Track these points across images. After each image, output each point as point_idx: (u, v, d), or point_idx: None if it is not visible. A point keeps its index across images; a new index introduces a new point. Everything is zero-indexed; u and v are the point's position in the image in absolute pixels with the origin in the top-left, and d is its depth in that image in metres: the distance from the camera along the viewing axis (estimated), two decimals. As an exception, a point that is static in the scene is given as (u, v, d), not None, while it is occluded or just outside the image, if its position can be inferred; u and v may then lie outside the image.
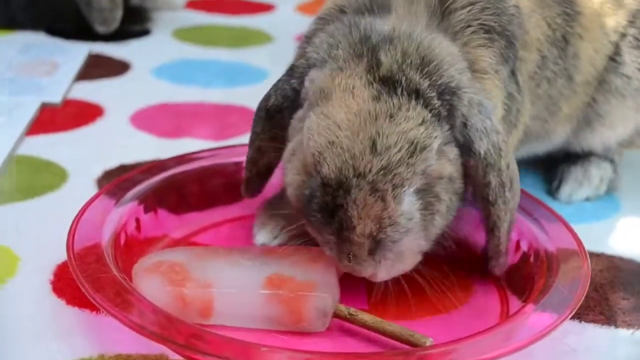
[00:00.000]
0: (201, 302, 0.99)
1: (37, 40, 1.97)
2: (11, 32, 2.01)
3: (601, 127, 1.33)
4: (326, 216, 0.97)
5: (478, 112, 1.01)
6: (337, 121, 0.97)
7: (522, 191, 1.21)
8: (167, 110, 1.64)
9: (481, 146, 1.00)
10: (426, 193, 0.98)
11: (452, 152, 1.00)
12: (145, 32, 2.09)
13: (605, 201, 1.38)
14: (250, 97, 1.68)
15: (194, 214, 1.23)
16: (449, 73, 0.99)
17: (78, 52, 1.89)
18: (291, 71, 1.09)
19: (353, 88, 0.98)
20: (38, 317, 1.02)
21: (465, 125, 1.00)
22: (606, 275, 1.17)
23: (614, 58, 1.28)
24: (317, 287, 0.99)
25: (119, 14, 1.98)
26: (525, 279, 1.11)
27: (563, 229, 1.15)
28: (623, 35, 1.28)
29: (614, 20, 1.27)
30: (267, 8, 2.35)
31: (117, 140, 1.51)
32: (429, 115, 0.97)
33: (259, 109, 1.11)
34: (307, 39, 1.15)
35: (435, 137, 0.97)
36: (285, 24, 2.21)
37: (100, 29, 1.97)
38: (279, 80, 1.10)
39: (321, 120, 0.98)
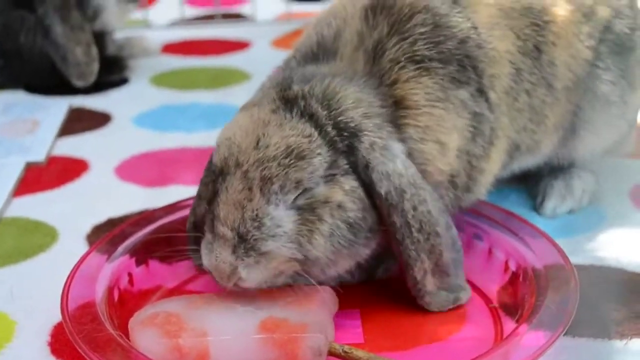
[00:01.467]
0: (197, 352, 0.99)
1: (16, 99, 1.98)
2: (-11, 93, 2.03)
3: (587, 133, 1.33)
4: (209, 209, 1.05)
5: (380, 155, 1.05)
6: (240, 123, 1.06)
7: (505, 210, 1.24)
8: (151, 159, 1.65)
9: (382, 187, 1.05)
10: (307, 211, 1.03)
11: (349, 184, 1.05)
12: (123, 81, 2.10)
13: (592, 213, 1.39)
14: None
15: (186, 262, 1.23)
16: (349, 114, 1.06)
17: (58, 107, 1.90)
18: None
19: (261, 103, 1.08)
20: (39, 380, 1.03)
21: (367, 167, 1.05)
22: (596, 287, 1.18)
23: (597, 64, 1.29)
24: (310, 328, 1.00)
25: (95, 66, 1.99)
26: (516, 298, 1.12)
27: (549, 245, 1.16)
28: (601, 41, 1.29)
29: (588, 26, 1.27)
30: (242, 46, 2.36)
31: (103, 193, 1.52)
32: (318, 136, 1.04)
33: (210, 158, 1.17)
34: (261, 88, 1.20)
35: (319, 154, 1.03)
36: (262, 61, 2.22)
37: (78, 83, 1.99)
38: None
39: (230, 124, 1.08)
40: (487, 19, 1.18)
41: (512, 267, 1.16)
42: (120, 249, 1.18)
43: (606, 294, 1.17)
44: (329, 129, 1.04)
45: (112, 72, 2.12)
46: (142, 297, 1.16)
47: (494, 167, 1.20)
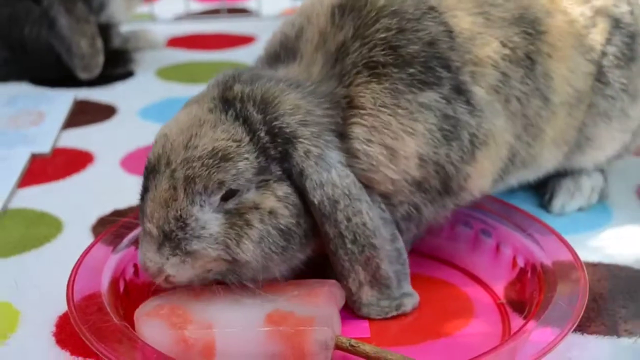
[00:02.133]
0: (203, 344, 0.99)
1: (21, 91, 1.98)
2: (-5, 85, 2.02)
3: (591, 149, 1.33)
4: (140, 205, 1.06)
5: (315, 164, 1.04)
6: (178, 121, 1.06)
7: (514, 207, 1.23)
8: (156, 152, 1.64)
9: (315, 196, 1.04)
10: (235, 216, 1.02)
11: (282, 190, 1.04)
12: (129, 74, 2.10)
13: (599, 210, 1.39)
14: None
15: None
16: (285, 120, 1.05)
17: (63, 99, 1.89)
18: None
19: (201, 101, 1.08)
20: (43, 371, 1.03)
21: (301, 174, 1.04)
22: (604, 284, 1.18)
23: (599, 79, 1.27)
24: (317, 321, 0.99)
25: (100, 59, 1.99)
26: (525, 295, 1.12)
27: (557, 242, 1.15)
28: (604, 54, 1.27)
29: (589, 39, 1.25)
30: (247, 40, 2.36)
31: (109, 185, 1.51)
32: (248, 140, 1.03)
33: None
34: None
35: (246, 158, 1.02)
36: (267, 56, 2.21)
37: (83, 75, 1.98)
38: None
39: (170, 121, 1.08)
40: (468, 25, 1.15)
41: (520, 263, 1.15)
42: (126, 240, 1.18)
43: (614, 292, 1.16)
44: (262, 134, 1.03)
45: (118, 64, 2.11)
46: (148, 288, 1.15)
47: (485, 170, 1.16)
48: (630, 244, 1.29)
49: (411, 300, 1.11)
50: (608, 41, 1.27)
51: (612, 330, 1.08)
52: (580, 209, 1.38)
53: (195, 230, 1.01)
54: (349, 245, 1.06)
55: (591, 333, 1.08)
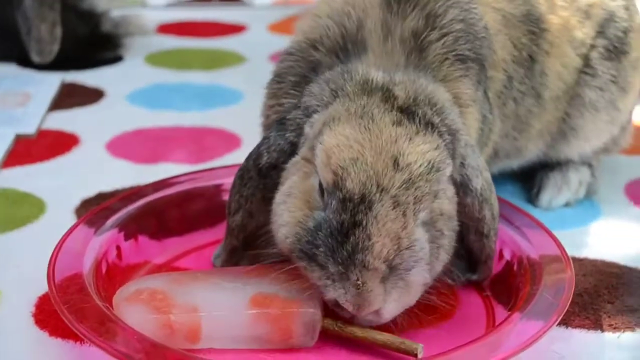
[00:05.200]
0: (189, 327, 0.98)
1: (8, 72, 1.96)
2: (-20, 66, 2.00)
3: (576, 139, 1.33)
4: (339, 240, 0.93)
5: (472, 152, 1.04)
6: (359, 140, 0.96)
7: (503, 200, 1.22)
8: (143, 136, 1.63)
9: (477, 183, 1.03)
10: (431, 227, 0.98)
11: (451, 190, 1.02)
12: (117, 59, 2.08)
13: (586, 206, 1.39)
14: (226, 118, 1.69)
15: (175, 239, 1.22)
16: (451, 116, 1.03)
17: (51, 82, 1.88)
18: (283, 125, 1.07)
19: (372, 114, 0.98)
20: (21, 350, 1.01)
21: (463, 164, 1.03)
22: (590, 280, 1.17)
23: (585, 71, 1.28)
24: (303, 303, 0.99)
25: (55, 47, 1.95)
26: (510, 287, 1.11)
27: (545, 236, 1.15)
28: (592, 47, 1.27)
29: (582, 33, 1.26)
30: (238, 29, 2.34)
31: (94, 168, 1.50)
32: (443, 144, 0.99)
33: (246, 169, 1.08)
34: (278, 77, 1.14)
35: (448, 164, 0.99)
36: (258, 44, 2.21)
37: (36, 58, 1.95)
38: (267, 138, 1.07)
39: (340, 139, 0.97)
40: (492, 23, 1.16)
41: (507, 256, 1.15)
42: (109, 222, 1.16)
43: (600, 287, 1.16)
44: (446, 135, 1.01)
45: (107, 49, 2.10)
46: (130, 271, 1.14)
47: None
48: (618, 241, 1.29)
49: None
50: (600, 34, 1.28)
51: (596, 324, 1.08)
52: (567, 204, 1.38)
53: (418, 254, 0.95)
54: (496, 226, 1.07)
55: (576, 327, 1.08)
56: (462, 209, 1.04)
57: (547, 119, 1.26)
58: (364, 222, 0.92)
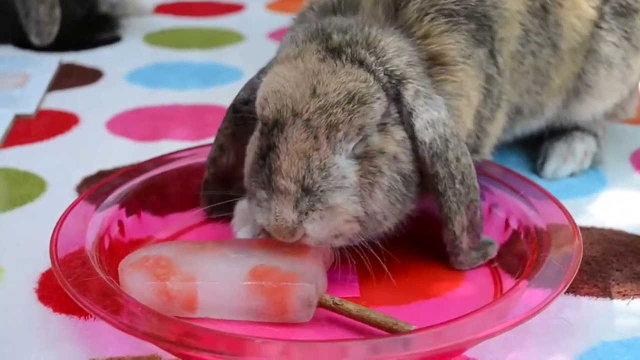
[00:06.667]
0: (185, 295, 0.98)
1: (6, 54, 1.94)
2: (-21, 48, 1.98)
3: (590, 97, 1.32)
4: (259, 164, 0.98)
5: (425, 103, 1.02)
6: (285, 76, 1.00)
7: (509, 170, 1.22)
8: (142, 114, 1.62)
9: (426, 135, 1.01)
10: (365, 161, 0.99)
11: (399, 134, 1.01)
12: (115, 39, 2.07)
13: (592, 176, 1.38)
14: (226, 96, 1.65)
15: (177, 214, 1.21)
16: (394, 62, 1.02)
17: (49, 62, 1.86)
18: (260, 70, 1.11)
19: (303, 55, 1.02)
20: (25, 327, 1.00)
21: (410, 114, 1.01)
22: (597, 248, 1.16)
23: (600, 25, 1.27)
24: (301, 277, 0.97)
25: (55, 29, 1.93)
26: (517, 256, 1.10)
27: (552, 205, 1.14)
28: (606, 1, 1.27)
29: None
30: (236, 8, 2.33)
31: (94, 147, 1.49)
32: (373, 80, 0.99)
33: (228, 108, 1.13)
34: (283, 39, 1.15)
35: (378, 98, 0.99)
36: (256, 23, 2.19)
37: (35, 40, 1.93)
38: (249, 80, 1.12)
39: (271, 76, 1.01)
40: None
41: (513, 225, 1.14)
42: (111, 198, 1.15)
43: (608, 256, 1.14)
44: (382, 75, 1.00)
45: (105, 29, 2.09)
46: (133, 246, 1.13)
47: (497, 129, 1.18)
48: (624, 210, 1.28)
49: (493, 247, 1.11)
50: None
51: (605, 292, 1.07)
52: (572, 174, 1.37)
53: (337, 180, 0.97)
54: (457, 186, 1.03)
55: (584, 295, 1.06)
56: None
57: (566, 73, 1.26)
58: (276, 144, 0.97)
